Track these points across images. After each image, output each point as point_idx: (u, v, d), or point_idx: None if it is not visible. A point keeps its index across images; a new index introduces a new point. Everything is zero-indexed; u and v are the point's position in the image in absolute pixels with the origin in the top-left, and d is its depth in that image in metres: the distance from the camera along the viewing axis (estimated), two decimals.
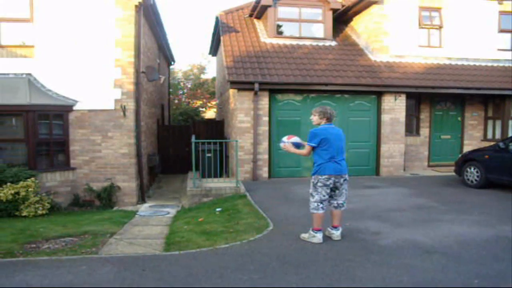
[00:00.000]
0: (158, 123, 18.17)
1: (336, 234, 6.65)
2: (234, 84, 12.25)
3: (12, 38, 11.51)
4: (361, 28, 15.40)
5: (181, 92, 32.14)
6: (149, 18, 13.66)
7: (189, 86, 32.45)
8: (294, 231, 7.04)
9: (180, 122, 26.10)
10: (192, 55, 51.52)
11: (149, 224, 9.01)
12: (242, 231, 7.31)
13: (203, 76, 32.54)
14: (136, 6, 11.60)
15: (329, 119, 6.48)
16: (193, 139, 11.13)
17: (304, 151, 6.55)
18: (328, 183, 6.36)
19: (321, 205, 6.43)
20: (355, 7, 15.12)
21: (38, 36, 11.43)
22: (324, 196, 6.42)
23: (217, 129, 17.49)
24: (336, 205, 6.61)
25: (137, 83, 11.90)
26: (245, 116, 12.36)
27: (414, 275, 5.20)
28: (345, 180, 6.51)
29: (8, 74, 11.33)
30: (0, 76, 11.28)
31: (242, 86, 12.28)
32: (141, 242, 7.29)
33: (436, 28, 14.65)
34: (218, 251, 6.31)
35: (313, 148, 6.40)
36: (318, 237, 6.51)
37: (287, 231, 7.19)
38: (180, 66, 33.04)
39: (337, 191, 6.54)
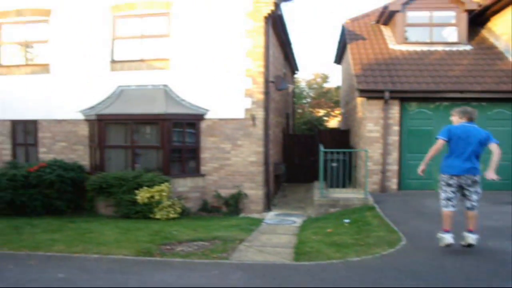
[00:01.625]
0: (284, 132, 18.34)
1: (471, 237, 6.20)
2: (363, 92, 11.96)
3: (151, 52, 12.35)
4: (500, 29, 14.27)
5: (304, 101, 32.27)
6: (276, 28, 13.84)
7: (312, 95, 32.48)
8: (430, 247, 6.62)
9: (304, 131, 26.17)
10: (315, 64, 51.59)
11: (277, 233, 9.04)
12: (373, 244, 7.04)
13: (326, 85, 32.41)
14: (265, 17, 11.80)
15: (469, 119, 6.29)
16: (321, 148, 11.03)
17: (432, 147, 6.27)
18: (450, 182, 6.16)
19: (450, 203, 6.21)
20: (494, 6, 14.04)
21: (174, 49, 12.13)
22: (450, 194, 6.19)
23: (342, 138, 17.22)
24: (467, 206, 6.29)
25: (266, 93, 12.06)
26: (374, 125, 11.99)
27: None
28: (474, 182, 6.13)
29: (147, 85, 12.16)
30: (140, 87, 12.14)
31: (371, 94, 11.94)
32: (270, 251, 7.32)
33: None
34: (349, 264, 6.13)
35: (445, 143, 6.20)
36: (447, 237, 6.17)
37: (422, 246, 6.78)
38: (303, 75, 33.20)
39: (465, 191, 6.22)
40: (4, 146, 13.28)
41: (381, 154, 11.90)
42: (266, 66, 12.01)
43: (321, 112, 30.75)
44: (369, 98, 12.02)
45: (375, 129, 11.96)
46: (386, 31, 15.33)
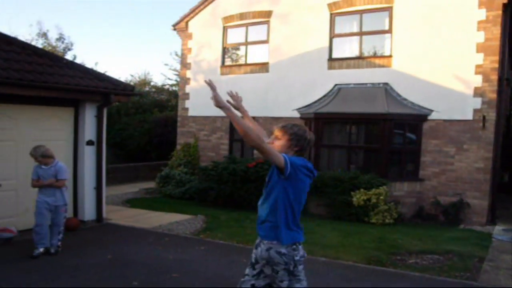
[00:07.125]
0: (504, 135, 16.34)
1: None
2: None
3: (370, 49, 12.00)
4: None
5: None
6: None
7: None
8: None
9: None
10: None
11: None
12: None
13: None
14: (504, 4, 10.37)
15: None
16: None
17: None
18: None
19: None
20: None
21: (395, 46, 11.44)
22: None
23: None
24: None
25: (500, 92, 10.69)
26: None
27: None
28: None
29: (365, 84, 11.67)
30: (358, 86, 11.75)
31: None
32: None
33: None
34: None
35: None
36: None
37: None
38: None
39: None
40: (223, 141, 13.99)
41: None
42: (501, 62, 10.63)
43: None
44: None
45: None
46: None
